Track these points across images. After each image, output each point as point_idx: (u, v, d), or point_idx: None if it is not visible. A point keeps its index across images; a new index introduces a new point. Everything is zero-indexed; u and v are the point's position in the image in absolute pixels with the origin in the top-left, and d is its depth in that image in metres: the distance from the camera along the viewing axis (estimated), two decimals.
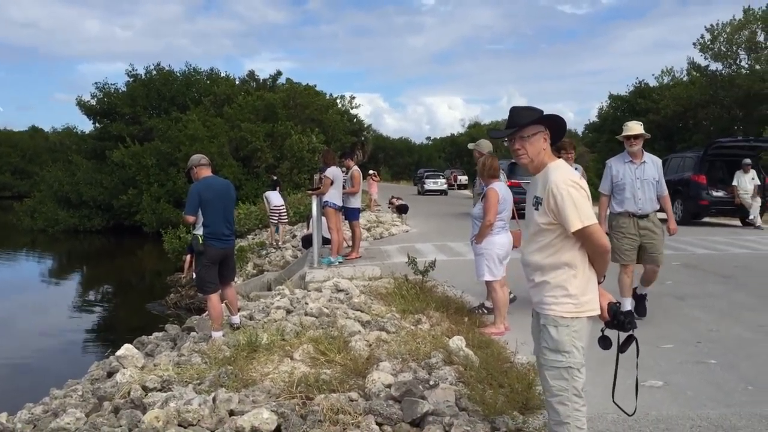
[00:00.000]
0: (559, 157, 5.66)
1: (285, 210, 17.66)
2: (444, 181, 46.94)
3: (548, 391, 3.20)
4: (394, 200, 21.04)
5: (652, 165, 6.61)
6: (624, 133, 6.63)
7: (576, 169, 6.67)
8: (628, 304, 6.45)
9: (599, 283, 3.20)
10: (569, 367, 3.10)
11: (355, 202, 11.08)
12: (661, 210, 6.77)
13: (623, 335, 3.21)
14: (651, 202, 6.56)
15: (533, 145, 3.22)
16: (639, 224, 6.54)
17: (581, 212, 3.02)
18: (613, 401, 3.39)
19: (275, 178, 20.80)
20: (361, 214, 12.25)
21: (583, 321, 3.12)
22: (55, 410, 5.40)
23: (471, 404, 4.30)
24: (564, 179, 3.07)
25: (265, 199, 17.96)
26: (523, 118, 3.24)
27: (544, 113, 3.24)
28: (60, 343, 11.99)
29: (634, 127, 6.55)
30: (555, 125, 3.26)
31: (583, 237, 3.07)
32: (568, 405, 3.11)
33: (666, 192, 6.74)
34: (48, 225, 34.73)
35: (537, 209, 3.18)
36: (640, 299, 6.87)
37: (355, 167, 11.05)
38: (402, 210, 19.71)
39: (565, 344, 3.10)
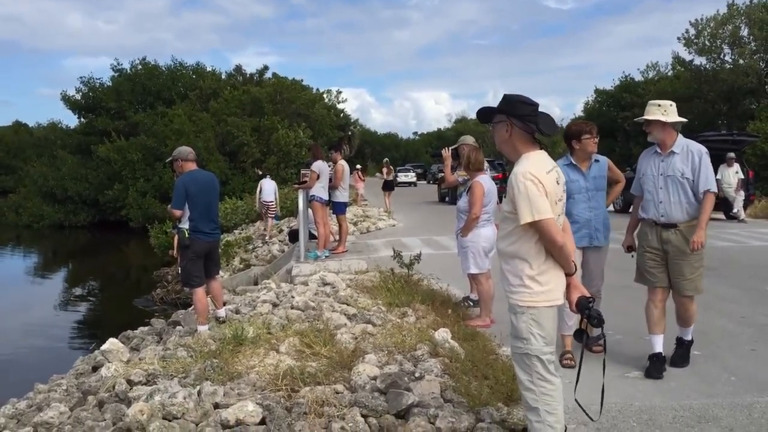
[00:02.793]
0: (571, 145, 5.10)
1: (274, 205, 17.75)
2: (413, 174, 52.55)
3: (517, 378, 3.35)
4: (384, 170, 21.63)
5: (684, 157, 4.87)
6: (637, 118, 5.16)
7: (597, 161, 5.24)
8: (656, 345, 4.97)
9: (570, 274, 3.27)
10: (527, 353, 3.21)
11: (342, 196, 11.07)
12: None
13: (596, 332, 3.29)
14: (679, 206, 4.85)
15: (497, 134, 3.35)
16: (662, 236, 4.94)
17: (533, 206, 3.09)
18: (575, 400, 3.49)
19: (260, 172, 20.81)
20: (348, 209, 12.24)
21: (541, 310, 3.20)
22: (39, 405, 5.38)
23: (456, 396, 4.31)
24: (523, 171, 3.14)
25: (259, 187, 18.13)
26: (498, 107, 3.32)
27: (524, 104, 3.23)
28: (45, 339, 11.91)
29: (649, 110, 4.97)
30: (522, 114, 3.22)
31: (536, 230, 3.15)
32: (535, 389, 3.21)
33: (708, 187, 4.77)
34: (33, 220, 34.51)
35: (506, 197, 3.29)
36: (678, 344, 5.12)
37: (341, 161, 11.02)
38: (387, 187, 20.34)
39: (522, 331, 3.22)
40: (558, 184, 3.23)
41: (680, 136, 4.96)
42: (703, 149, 4.87)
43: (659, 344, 4.95)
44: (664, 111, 4.89)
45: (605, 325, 3.27)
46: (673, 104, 4.94)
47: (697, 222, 4.80)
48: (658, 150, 4.99)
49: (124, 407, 4.46)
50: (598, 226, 5.15)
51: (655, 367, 4.87)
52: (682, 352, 5.10)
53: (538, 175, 3.12)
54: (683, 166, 4.84)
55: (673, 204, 4.87)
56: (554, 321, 3.26)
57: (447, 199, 24.04)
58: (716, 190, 4.84)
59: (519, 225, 3.17)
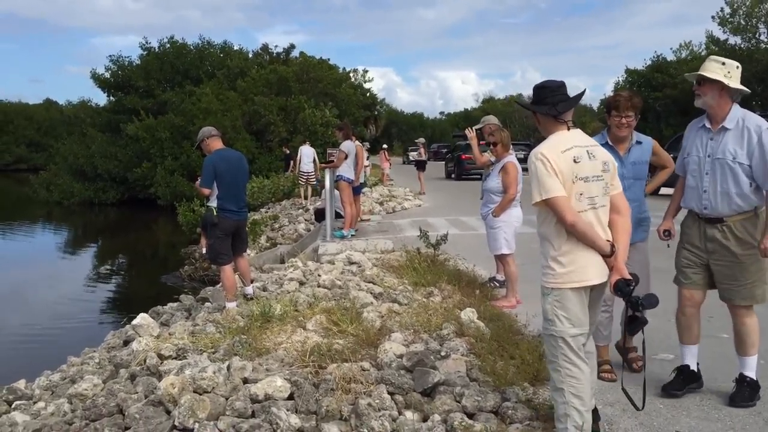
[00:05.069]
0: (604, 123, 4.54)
1: (313, 173, 18.20)
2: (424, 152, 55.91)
3: (546, 357, 3.43)
4: (421, 150, 23.03)
5: (738, 134, 3.87)
6: (692, 73, 4.07)
7: (639, 143, 4.47)
8: (685, 356, 4.27)
9: (607, 255, 3.25)
10: (552, 335, 3.26)
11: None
12: None
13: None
14: (727, 197, 3.90)
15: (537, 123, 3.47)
16: (705, 232, 4.04)
17: (541, 185, 3.17)
18: (622, 389, 3.48)
19: (288, 152, 20.97)
20: (373, 188, 12.27)
21: (565, 292, 3.22)
22: (72, 377, 5.51)
23: (482, 375, 4.34)
24: (535, 152, 3.24)
25: (299, 154, 18.46)
26: None
27: (541, 88, 3.39)
28: (76, 313, 12.15)
29: (709, 66, 3.93)
30: (540, 98, 3.37)
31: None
32: (561, 371, 3.25)
33: None
34: (63, 197, 35.02)
35: None
36: (738, 382, 4.07)
37: (357, 142, 11.03)
38: (420, 167, 21.73)
39: (548, 312, 3.27)
40: (577, 162, 3.21)
41: (736, 107, 3.96)
42: (764, 124, 3.85)
43: (688, 356, 4.23)
44: (727, 72, 3.88)
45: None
46: (740, 67, 3.97)
47: (750, 215, 3.92)
48: (707, 124, 4.02)
49: (156, 380, 4.56)
50: (633, 220, 4.32)
51: (674, 382, 4.16)
52: (741, 391, 4.02)
53: (548, 155, 3.18)
54: (736, 147, 3.86)
55: (720, 194, 3.92)
56: (581, 303, 3.26)
57: (453, 176, 28.95)
58: None
59: (541, 206, 3.26)
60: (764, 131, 3.81)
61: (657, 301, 3.25)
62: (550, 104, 3.29)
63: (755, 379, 4.05)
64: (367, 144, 26.98)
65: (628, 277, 3.24)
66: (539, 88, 3.38)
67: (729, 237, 3.95)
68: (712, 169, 3.95)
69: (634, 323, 3.26)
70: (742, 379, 4.05)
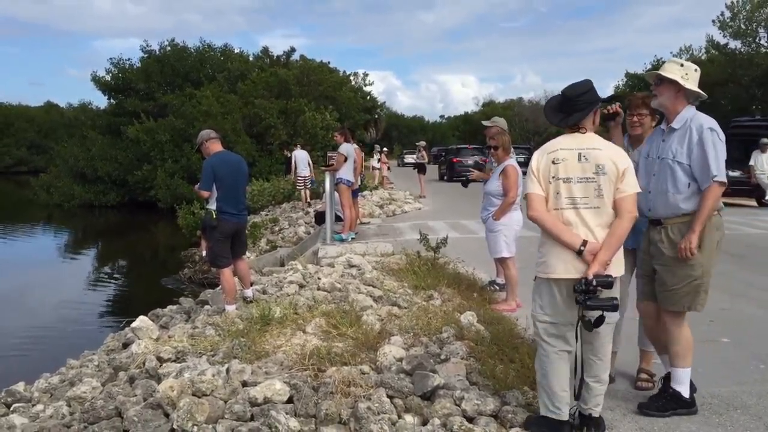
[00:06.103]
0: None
1: (309, 176, 18.40)
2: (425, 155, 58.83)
3: None
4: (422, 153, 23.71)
5: (682, 134, 3.82)
6: (651, 72, 4.06)
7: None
8: (666, 364, 4.09)
9: (578, 252, 3.36)
10: (532, 313, 3.64)
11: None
12: None
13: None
14: (664, 197, 3.86)
15: None
16: (650, 235, 3.99)
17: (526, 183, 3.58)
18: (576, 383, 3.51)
19: (289, 155, 21.04)
20: (373, 192, 12.27)
21: (539, 280, 3.57)
22: (71, 380, 5.51)
23: (482, 379, 4.33)
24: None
25: (293, 160, 18.57)
26: None
27: (568, 95, 3.59)
28: (76, 316, 12.13)
29: (668, 68, 3.89)
30: (559, 105, 3.65)
31: None
32: (539, 349, 3.59)
33: (711, 181, 3.71)
34: (64, 200, 34.97)
35: None
36: (664, 381, 4.06)
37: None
38: (420, 169, 22.26)
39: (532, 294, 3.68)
40: (556, 163, 3.45)
41: (689, 108, 3.90)
42: (707, 124, 3.79)
43: (672, 376, 3.97)
44: (685, 74, 3.82)
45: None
46: (698, 71, 3.91)
47: (690, 218, 3.78)
48: (663, 126, 4.01)
49: (155, 383, 4.55)
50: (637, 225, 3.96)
51: (653, 397, 4.02)
52: (657, 399, 3.98)
53: (535, 156, 3.55)
54: (678, 146, 3.82)
55: (659, 194, 3.88)
56: (550, 293, 3.50)
57: (445, 177, 31.70)
58: (723, 179, 3.74)
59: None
60: (705, 130, 3.75)
61: (611, 306, 3.24)
62: (564, 114, 3.54)
63: (679, 393, 3.89)
64: (377, 147, 27.11)
65: (590, 276, 3.28)
66: (561, 94, 3.60)
67: (664, 240, 3.86)
68: (659, 169, 3.92)
69: (582, 323, 3.32)
70: (664, 388, 3.96)
